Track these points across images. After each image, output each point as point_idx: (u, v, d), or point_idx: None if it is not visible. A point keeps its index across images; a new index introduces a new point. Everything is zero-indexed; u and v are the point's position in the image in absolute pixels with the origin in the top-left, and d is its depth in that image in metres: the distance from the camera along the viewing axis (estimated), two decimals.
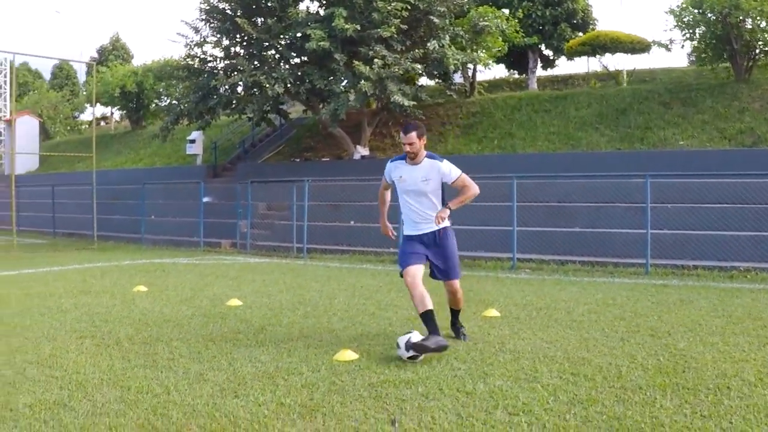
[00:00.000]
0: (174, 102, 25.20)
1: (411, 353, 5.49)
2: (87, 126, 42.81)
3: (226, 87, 19.38)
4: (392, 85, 17.66)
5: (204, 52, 20.65)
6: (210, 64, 20.63)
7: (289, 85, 18.53)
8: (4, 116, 36.25)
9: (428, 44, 18.60)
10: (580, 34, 25.01)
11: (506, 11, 22.80)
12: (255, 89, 18.76)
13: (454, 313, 6.58)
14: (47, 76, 51.01)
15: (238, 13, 19.16)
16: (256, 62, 18.99)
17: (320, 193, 18.51)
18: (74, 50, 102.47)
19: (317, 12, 18.89)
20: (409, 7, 18.02)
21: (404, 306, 8.45)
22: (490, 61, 22.28)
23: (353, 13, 17.71)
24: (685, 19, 18.80)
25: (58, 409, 4.32)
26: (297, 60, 20.02)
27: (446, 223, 6.18)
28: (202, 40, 20.40)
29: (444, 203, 6.21)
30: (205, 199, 20.34)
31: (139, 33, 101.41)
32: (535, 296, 9.34)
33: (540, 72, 27.07)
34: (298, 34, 18.71)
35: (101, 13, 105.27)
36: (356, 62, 17.42)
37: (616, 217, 13.71)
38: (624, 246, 12.96)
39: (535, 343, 6.27)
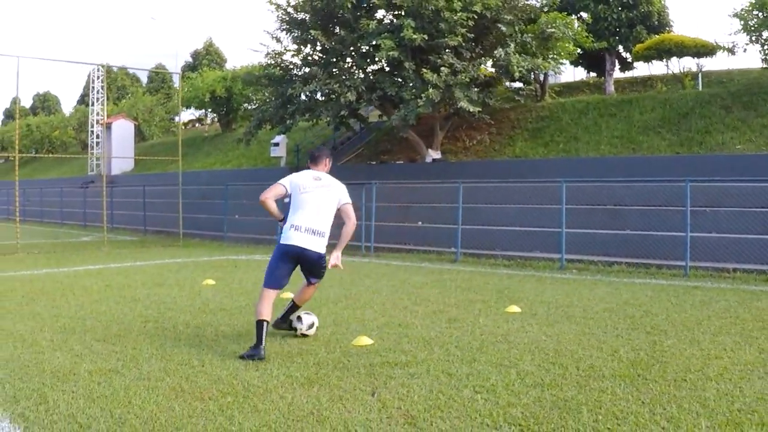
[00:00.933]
0: (256, 107, 26.56)
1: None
2: (183, 128, 44.99)
3: (307, 94, 20.62)
4: (458, 92, 18.41)
5: (284, 61, 21.84)
6: (291, 72, 21.79)
7: (362, 92, 19.47)
8: (101, 120, 38.57)
9: (495, 52, 19.24)
10: (656, 36, 25.09)
11: (582, 15, 23.14)
12: (332, 96, 19.84)
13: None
14: (145, 80, 54.03)
15: (317, 23, 20.28)
16: (334, 70, 20.05)
17: (392, 194, 19.47)
18: (170, 54, 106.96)
19: (391, 21, 19.73)
20: (476, 17, 18.71)
21: (436, 301, 9.28)
22: (562, 66, 22.76)
23: (422, 23, 18.54)
24: (750, 23, 18.85)
25: (111, 374, 5.41)
26: (370, 68, 20.98)
27: None
28: (282, 49, 21.61)
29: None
30: (286, 200, 21.51)
31: (233, 38, 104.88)
32: (564, 295, 9.98)
33: (618, 74, 27.23)
34: (373, 43, 19.60)
35: (196, 18, 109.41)
36: (424, 70, 18.25)
37: (666, 219, 14.13)
38: (667, 248, 13.39)
39: (536, 336, 7.00)
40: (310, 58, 21.33)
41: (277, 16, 21.23)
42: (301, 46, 21.41)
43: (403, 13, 18.88)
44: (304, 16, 20.75)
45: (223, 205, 22.63)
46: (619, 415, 4.50)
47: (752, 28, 19.00)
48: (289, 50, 21.73)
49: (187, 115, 46.70)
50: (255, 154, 30.36)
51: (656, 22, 25.67)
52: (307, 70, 20.74)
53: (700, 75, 22.97)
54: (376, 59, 18.98)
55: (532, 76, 23.18)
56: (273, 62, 21.87)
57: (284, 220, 6.61)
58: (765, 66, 21.07)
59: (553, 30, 20.24)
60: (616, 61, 26.45)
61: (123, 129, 38.53)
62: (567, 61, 23.03)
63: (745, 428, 4.26)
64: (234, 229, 22.08)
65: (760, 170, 14.61)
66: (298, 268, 6.60)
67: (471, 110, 18.56)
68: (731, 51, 20.49)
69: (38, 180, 43.53)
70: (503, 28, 19.36)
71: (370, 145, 26.23)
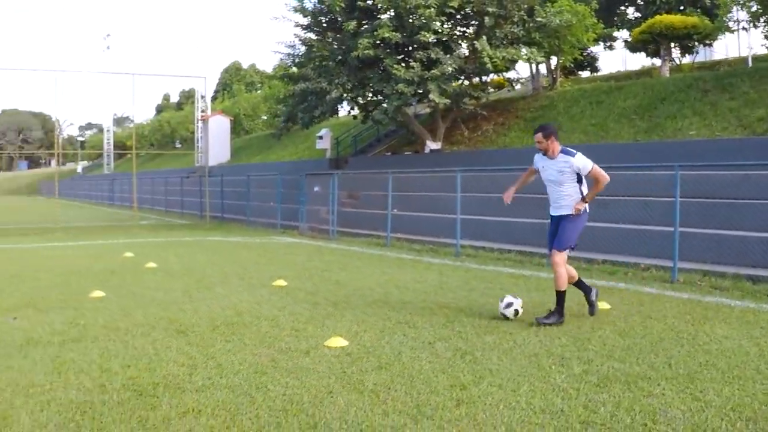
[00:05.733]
0: (283, 107, 28.63)
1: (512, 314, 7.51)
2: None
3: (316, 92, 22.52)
4: (431, 85, 19.48)
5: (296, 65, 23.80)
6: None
7: (347, 90, 20.95)
8: (202, 116, 42.30)
9: (475, 44, 20.07)
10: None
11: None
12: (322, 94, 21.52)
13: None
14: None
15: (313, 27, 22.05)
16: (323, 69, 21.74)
17: (402, 183, 20.48)
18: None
19: (369, 21, 21.04)
20: (454, 11, 19.65)
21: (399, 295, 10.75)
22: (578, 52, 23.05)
23: (400, 21, 19.73)
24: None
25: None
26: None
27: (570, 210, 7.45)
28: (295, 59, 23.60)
29: (582, 193, 7.46)
30: (315, 189, 23.32)
31: None
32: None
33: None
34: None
35: None
36: (395, 66, 19.49)
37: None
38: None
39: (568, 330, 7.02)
40: (304, 58, 23.08)
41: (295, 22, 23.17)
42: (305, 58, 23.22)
43: (379, 13, 20.15)
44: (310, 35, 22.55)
45: (276, 193, 24.26)
46: None
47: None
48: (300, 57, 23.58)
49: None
50: (311, 145, 32.46)
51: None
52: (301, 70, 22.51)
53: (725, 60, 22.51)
54: (356, 55, 20.27)
55: (534, 68, 23.67)
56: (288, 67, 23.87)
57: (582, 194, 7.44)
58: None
59: (557, 20, 20.63)
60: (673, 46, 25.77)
61: (219, 124, 42.00)
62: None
63: None
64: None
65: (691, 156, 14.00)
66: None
67: (437, 101, 19.54)
68: (731, 30, 20.08)
69: (152, 171, 48.06)
70: (486, 21, 20.09)
71: (402, 137, 27.57)
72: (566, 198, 7.47)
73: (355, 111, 25.39)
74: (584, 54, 26.70)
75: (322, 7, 21.45)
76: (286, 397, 4.90)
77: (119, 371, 5.59)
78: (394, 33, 19.38)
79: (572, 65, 25.63)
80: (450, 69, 19.65)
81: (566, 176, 7.40)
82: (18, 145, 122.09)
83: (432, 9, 19.23)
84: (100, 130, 78.15)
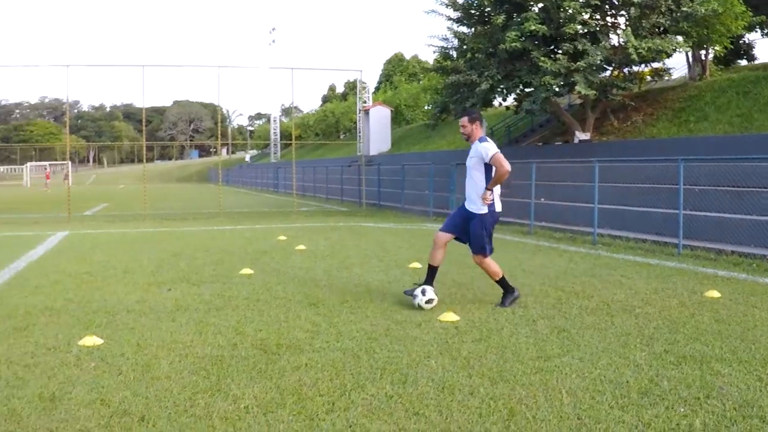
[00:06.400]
0: (437, 98, 29.45)
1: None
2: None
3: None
4: (578, 77, 19.68)
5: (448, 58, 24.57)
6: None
7: (496, 81, 21.49)
8: (364, 107, 44.05)
9: (612, 36, 20.14)
10: None
11: None
12: (472, 86, 22.19)
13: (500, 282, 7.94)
14: None
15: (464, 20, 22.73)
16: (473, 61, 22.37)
17: (547, 173, 20.86)
18: None
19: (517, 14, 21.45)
20: (599, 2, 19.74)
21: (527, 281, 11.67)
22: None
23: (549, 14, 20.06)
24: None
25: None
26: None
27: (482, 208, 7.56)
28: (448, 52, 24.36)
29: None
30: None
31: None
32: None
33: None
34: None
35: None
36: (542, 58, 19.83)
37: None
38: None
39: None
40: (456, 51, 23.77)
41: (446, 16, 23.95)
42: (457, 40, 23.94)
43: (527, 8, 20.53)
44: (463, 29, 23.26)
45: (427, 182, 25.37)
46: None
47: None
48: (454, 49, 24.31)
49: None
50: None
51: None
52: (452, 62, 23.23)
53: None
54: (504, 48, 20.74)
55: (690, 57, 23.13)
56: (443, 56, 24.68)
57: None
58: None
59: (703, 9, 20.26)
60: None
61: (380, 115, 43.57)
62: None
63: None
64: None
65: None
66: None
67: (583, 93, 19.70)
68: None
69: (315, 160, 50.43)
70: (632, 11, 20.00)
71: (555, 128, 27.73)
72: (472, 188, 7.64)
73: (508, 102, 25.92)
74: (739, 42, 25.71)
75: (473, 0, 22.10)
76: (388, 360, 5.74)
77: (251, 334, 6.66)
78: (540, 26, 19.72)
79: (725, 54, 24.73)
80: (597, 60, 19.73)
81: (474, 162, 7.59)
82: (189, 134, 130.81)
83: (579, 1, 19.41)
84: (269, 120, 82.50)
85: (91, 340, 6.24)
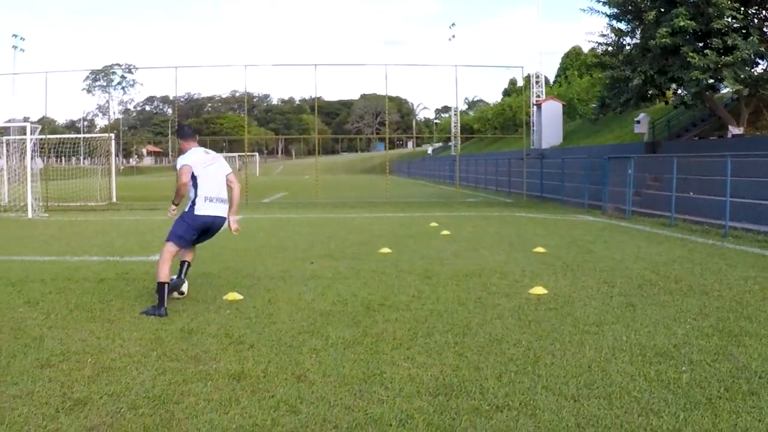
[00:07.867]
0: (599, 93, 29.51)
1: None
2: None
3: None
4: (726, 72, 19.53)
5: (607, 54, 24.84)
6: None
7: (649, 77, 21.59)
8: (537, 101, 44.53)
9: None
10: None
11: None
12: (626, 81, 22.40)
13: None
14: None
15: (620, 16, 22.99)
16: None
17: (694, 167, 20.94)
18: None
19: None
20: None
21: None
22: None
23: (699, 10, 20.03)
24: None
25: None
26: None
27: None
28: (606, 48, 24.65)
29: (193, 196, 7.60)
30: None
31: None
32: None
33: None
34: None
35: None
36: (690, 54, 19.81)
37: None
38: None
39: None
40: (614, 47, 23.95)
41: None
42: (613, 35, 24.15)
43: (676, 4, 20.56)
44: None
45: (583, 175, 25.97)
46: None
47: None
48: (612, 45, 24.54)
49: None
50: (630, 130, 32.88)
51: None
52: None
53: None
54: (655, 44, 20.80)
55: None
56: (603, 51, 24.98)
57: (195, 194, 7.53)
58: None
59: None
60: None
61: (552, 109, 43.84)
62: None
63: None
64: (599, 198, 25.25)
65: None
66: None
67: (732, 88, 19.56)
68: None
69: (487, 153, 51.33)
70: None
71: (714, 122, 27.10)
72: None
73: (663, 96, 25.75)
74: None
75: None
76: (463, 320, 6.95)
77: (364, 296, 8.10)
78: (689, 21, 19.72)
79: None
80: (746, 55, 19.42)
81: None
82: (375, 127, 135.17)
83: None
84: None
85: (233, 296, 7.95)
